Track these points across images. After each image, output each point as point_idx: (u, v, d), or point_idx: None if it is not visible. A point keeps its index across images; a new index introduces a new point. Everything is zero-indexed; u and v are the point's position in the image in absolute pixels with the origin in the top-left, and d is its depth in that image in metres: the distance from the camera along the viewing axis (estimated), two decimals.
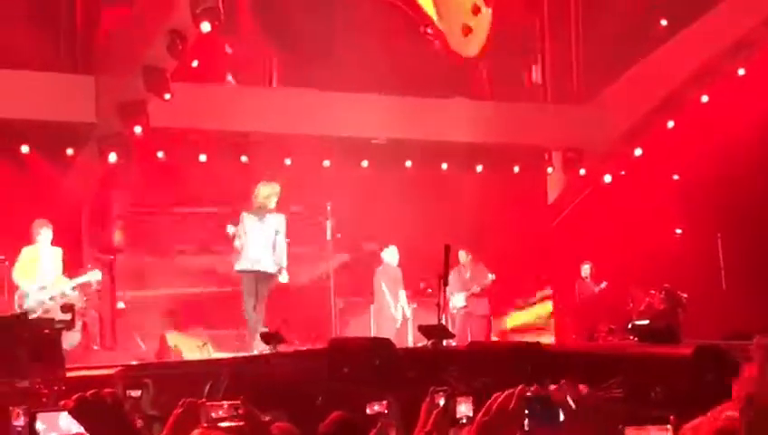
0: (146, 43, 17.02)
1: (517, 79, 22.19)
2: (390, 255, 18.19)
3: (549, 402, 4.24)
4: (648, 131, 20.83)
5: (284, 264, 15.31)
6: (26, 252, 15.81)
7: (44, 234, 15.85)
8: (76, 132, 17.99)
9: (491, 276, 18.34)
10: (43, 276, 15.64)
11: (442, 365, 10.73)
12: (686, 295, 18.06)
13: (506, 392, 4.31)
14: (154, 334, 17.69)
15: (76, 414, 4.27)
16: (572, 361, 10.22)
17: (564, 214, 22.06)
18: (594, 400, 5.21)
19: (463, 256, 18.10)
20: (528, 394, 4.33)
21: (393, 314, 17.88)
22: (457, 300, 17.87)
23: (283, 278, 15.31)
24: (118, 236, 18.55)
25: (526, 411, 4.19)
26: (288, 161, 19.23)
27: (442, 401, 5.01)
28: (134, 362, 14.57)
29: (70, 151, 18.03)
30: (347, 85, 19.05)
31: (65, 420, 4.39)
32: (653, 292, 18.54)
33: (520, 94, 21.87)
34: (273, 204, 15.42)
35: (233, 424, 4.76)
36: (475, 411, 5.23)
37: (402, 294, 18.04)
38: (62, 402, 4.41)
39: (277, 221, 15.36)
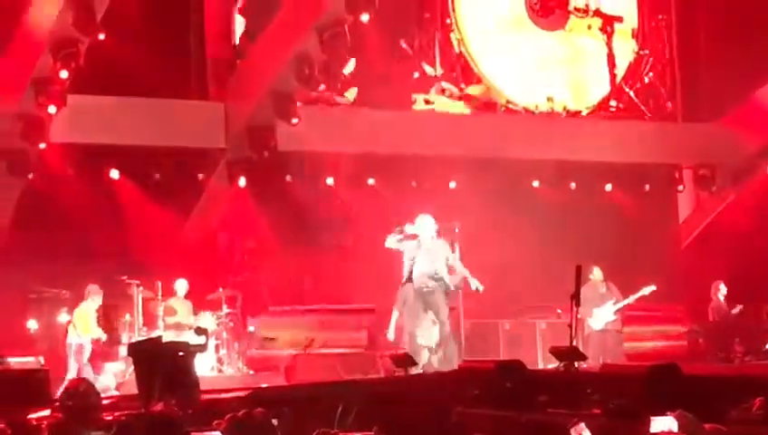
0: (274, 69, 17.24)
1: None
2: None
3: None
4: None
5: None
6: None
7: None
8: (207, 158, 18.28)
9: (652, 287, 17.96)
10: None
11: (575, 388, 10.56)
12: None
13: None
14: (284, 357, 17.73)
15: (228, 434, 4.33)
16: (709, 383, 9.98)
17: (697, 232, 21.70)
18: None
19: (597, 272, 17.79)
20: None
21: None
22: (604, 315, 17.53)
23: None
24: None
25: None
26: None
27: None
28: (264, 386, 14.66)
29: (201, 176, 18.31)
30: None
31: None
32: None
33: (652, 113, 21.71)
34: None
35: None
36: None
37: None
38: (215, 422, 4.48)
39: None
